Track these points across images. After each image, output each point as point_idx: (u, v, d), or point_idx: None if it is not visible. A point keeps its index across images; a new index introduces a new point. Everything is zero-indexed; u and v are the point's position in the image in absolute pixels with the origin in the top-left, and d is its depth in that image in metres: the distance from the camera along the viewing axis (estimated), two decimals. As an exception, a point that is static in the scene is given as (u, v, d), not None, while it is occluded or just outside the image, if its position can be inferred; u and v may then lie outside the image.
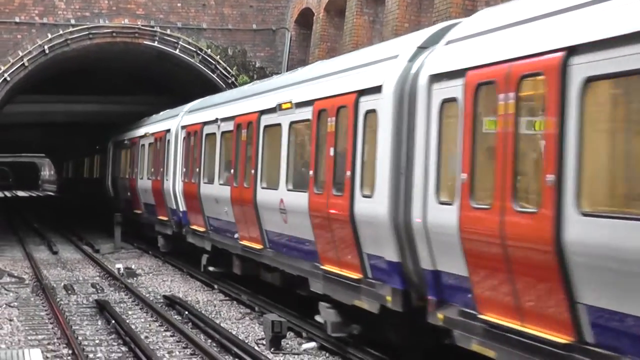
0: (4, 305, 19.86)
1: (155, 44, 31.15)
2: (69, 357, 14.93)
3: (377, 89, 12.41)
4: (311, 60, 26.98)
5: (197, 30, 31.43)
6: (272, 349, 15.22)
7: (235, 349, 14.97)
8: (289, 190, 15.84)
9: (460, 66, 10.50)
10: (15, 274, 25.28)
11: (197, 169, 22.70)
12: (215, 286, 22.62)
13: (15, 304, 20.35)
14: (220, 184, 20.46)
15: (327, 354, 14.98)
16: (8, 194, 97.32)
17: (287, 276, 16.80)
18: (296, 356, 14.91)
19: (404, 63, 12.09)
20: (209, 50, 31.38)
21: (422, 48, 12.10)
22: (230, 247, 20.01)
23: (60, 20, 30.34)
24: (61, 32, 30.25)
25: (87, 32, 30.47)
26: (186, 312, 18.68)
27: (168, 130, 26.82)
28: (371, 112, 12.62)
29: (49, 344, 16.03)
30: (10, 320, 18.27)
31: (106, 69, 38.10)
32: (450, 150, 10.74)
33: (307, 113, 15.06)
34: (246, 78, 30.68)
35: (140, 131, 32.25)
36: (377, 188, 12.26)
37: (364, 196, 12.70)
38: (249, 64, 31.65)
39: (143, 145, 31.39)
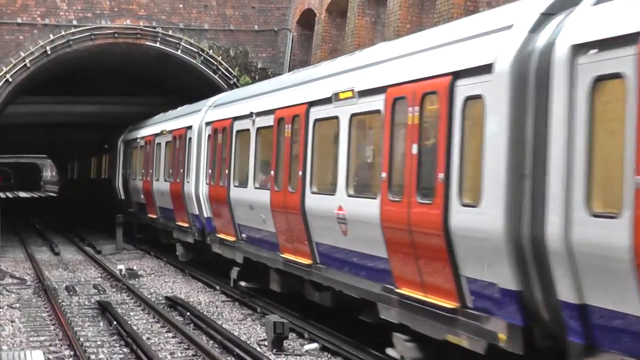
0: (6, 307, 19.84)
1: (157, 44, 31.14)
2: (70, 359, 14.93)
3: (485, 69, 9.95)
4: (313, 62, 26.96)
5: (199, 31, 31.41)
6: (274, 350, 15.20)
7: (237, 350, 14.96)
8: (350, 196, 13.35)
9: (629, 30, 7.91)
10: (17, 275, 25.28)
11: (227, 171, 19.96)
12: (217, 287, 22.59)
13: (17, 305, 20.34)
14: (256, 188, 17.85)
15: (329, 355, 14.96)
16: (10, 194, 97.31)
17: (343, 298, 14.41)
18: (298, 357, 14.89)
19: (524, 34, 9.59)
20: (211, 51, 31.37)
21: (547, 15, 9.62)
22: (268, 260, 17.45)
23: (62, 21, 30.33)
24: (63, 33, 30.24)
25: (89, 33, 30.46)
26: (188, 313, 18.65)
27: (189, 127, 24.50)
28: (475, 99, 10.17)
29: (50, 345, 16.02)
30: (12, 321, 18.26)
31: (108, 69, 38.07)
32: (612, 144, 8.26)
33: (376, 103, 12.59)
34: (248, 79, 30.69)
35: (156, 128, 30.57)
36: (485, 194, 9.80)
37: (465, 205, 10.27)
38: (250, 65, 31.63)
39: (159, 144, 29.28)
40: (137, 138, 34.01)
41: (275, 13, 31.87)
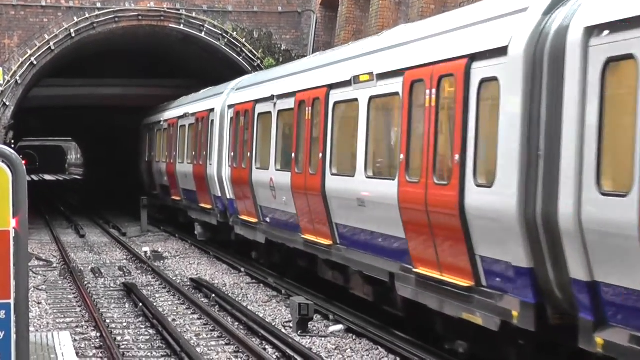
0: (33, 289, 19.94)
1: (181, 27, 31.15)
2: (97, 340, 15.00)
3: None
4: (336, 43, 26.89)
5: (222, 13, 31.38)
6: (299, 331, 15.23)
7: (263, 332, 15.00)
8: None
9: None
10: (43, 257, 25.42)
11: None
12: (242, 269, 22.64)
13: (44, 287, 20.47)
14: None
15: (353, 336, 14.96)
16: (35, 177, 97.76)
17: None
18: (323, 339, 14.90)
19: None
20: (235, 33, 31.34)
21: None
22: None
23: (86, 3, 30.39)
24: (87, 15, 30.30)
25: (113, 16, 30.52)
26: (213, 295, 18.71)
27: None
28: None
29: (77, 326, 16.12)
30: (39, 303, 18.37)
31: (132, 52, 38.12)
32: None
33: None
34: (272, 61, 30.64)
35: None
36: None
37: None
38: (274, 47, 31.58)
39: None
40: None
41: (298, -6, 31.78)
